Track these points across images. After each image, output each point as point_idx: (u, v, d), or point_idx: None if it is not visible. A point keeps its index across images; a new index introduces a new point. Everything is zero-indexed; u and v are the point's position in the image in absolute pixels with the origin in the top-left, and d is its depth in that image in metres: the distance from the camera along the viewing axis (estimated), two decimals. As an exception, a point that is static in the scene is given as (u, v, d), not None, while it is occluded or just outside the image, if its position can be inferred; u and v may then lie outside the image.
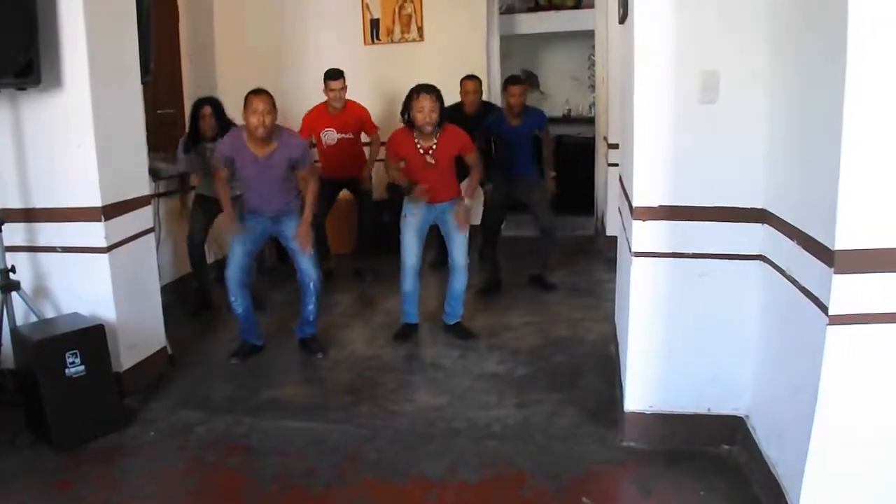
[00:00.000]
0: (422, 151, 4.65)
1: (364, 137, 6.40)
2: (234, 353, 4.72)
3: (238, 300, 4.58)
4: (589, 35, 8.17)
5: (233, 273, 4.54)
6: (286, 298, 5.61)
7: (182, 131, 5.66)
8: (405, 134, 4.70)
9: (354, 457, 3.48)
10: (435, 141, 4.65)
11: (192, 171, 5.59)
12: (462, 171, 4.91)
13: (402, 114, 4.64)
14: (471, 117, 6.04)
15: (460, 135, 4.75)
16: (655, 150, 3.20)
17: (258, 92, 4.28)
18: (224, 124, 5.35)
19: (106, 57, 3.91)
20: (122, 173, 4.10)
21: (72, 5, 3.73)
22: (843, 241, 2.28)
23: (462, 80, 6.31)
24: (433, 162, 4.67)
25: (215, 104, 5.44)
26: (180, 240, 5.89)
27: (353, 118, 6.29)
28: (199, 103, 5.45)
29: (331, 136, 6.18)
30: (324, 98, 6.22)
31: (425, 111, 4.50)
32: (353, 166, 6.33)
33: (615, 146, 6.49)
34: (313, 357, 4.72)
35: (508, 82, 5.81)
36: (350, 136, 6.27)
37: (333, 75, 6.10)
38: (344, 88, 6.13)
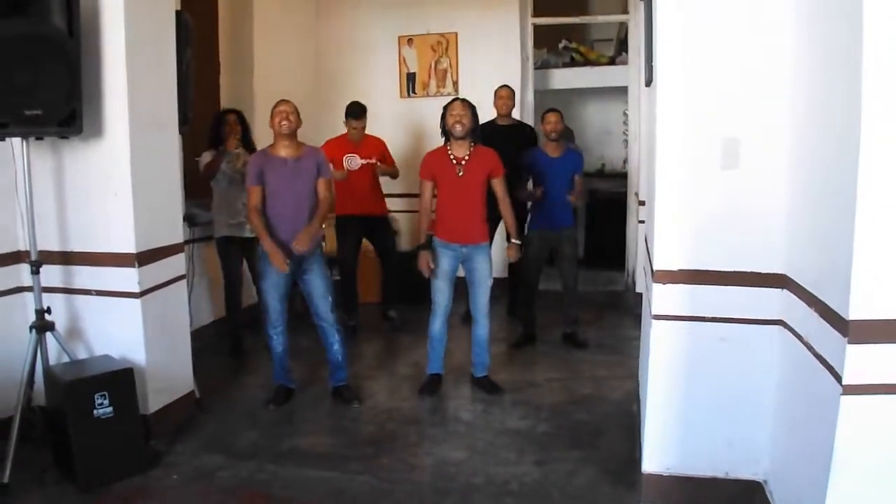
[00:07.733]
0: (454, 161, 4.75)
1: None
2: (272, 399, 4.77)
3: (278, 339, 4.71)
4: (623, 91, 8.21)
5: (272, 318, 4.67)
6: (314, 346, 5.65)
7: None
8: (439, 150, 4.88)
9: (373, 509, 3.49)
10: (468, 153, 4.76)
11: (213, 171, 5.51)
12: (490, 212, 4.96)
13: (441, 126, 4.83)
14: (503, 129, 6.20)
15: (493, 156, 4.86)
16: (677, 215, 3.24)
17: (282, 100, 4.63)
18: (247, 136, 5.57)
19: (146, 108, 4.05)
20: (157, 221, 4.21)
21: (115, 58, 3.90)
22: (857, 311, 2.29)
23: (497, 90, 6.48)
24: (463, 175, 4.74)
25: (240, 113, 5.61)
26: (214, 283, 6.00)
27: (374, 146, 6.36)
28: (224, 112, 5.60)
29: (355, 161, 6.17)
30: (343, 130, 6.31)
31: (455, 113, 4.71)
32: (375, 197, 6.36)
33: (644, 203, 6.51)
34: (348, 406, 4.74)
35: (545, 112, 5.88)
36: (374, 160, 6.29)
37: (356, 115, 6.18)
38: (364, 128, 6.23)
